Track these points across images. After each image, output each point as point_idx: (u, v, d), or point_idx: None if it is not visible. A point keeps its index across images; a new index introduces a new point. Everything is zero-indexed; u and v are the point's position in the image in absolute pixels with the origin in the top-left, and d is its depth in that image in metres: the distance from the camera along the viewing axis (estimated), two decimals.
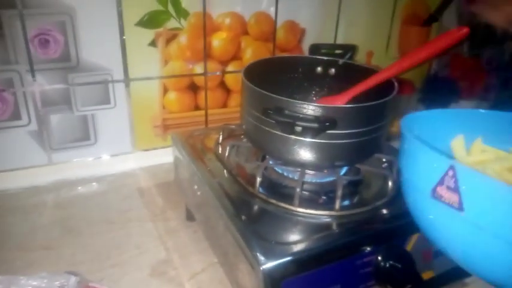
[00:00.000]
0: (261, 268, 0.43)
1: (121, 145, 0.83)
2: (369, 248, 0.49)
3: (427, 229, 0.38)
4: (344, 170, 0.60)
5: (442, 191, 0.32)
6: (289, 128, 0.46)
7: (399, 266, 0.48)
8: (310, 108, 0.45)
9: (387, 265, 0.49)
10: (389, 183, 0.56)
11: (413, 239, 0.51)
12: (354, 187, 0.58)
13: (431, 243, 0.38)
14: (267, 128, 0.51)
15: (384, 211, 0.53)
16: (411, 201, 0.40)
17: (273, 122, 0.48)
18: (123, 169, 0.83)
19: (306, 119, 0.45)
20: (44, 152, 0.77)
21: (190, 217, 0.69)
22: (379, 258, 0.49)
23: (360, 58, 0.97)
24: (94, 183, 0.79)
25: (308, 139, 0.48)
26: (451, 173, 0.31)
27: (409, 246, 0.51)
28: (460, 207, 0.31)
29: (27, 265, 0.59)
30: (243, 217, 0.50)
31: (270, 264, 0.44)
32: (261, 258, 0.44)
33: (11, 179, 0.75)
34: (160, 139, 0.86)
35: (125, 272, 0.60)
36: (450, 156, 0.32)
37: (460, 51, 1.10)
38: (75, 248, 0.63)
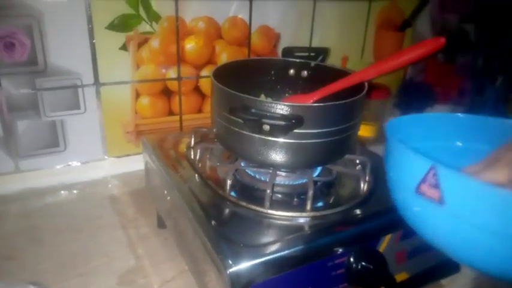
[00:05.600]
0: (228, 272, 0.42)
1: (92, 152, 0.81)
2: (340, 249, 0.48)
3: (412, 222, 0.42)
4: (317, 171, 0.59)
5: (424, 188, 0.36)
6: (257, 127, 0.45)
7: (371, 267, 0.47)
8: (277, 107, 0.44)
9: (359, 266, 0.48)
10: (362, 184, 0.55)
11: (386, 240, 0.51)
12: (326, 188, 0.57)
13: (418, 234, 0.42)
14: (236, 129, 0.50)
15: (356, 212, 0.52)
16: (397, 197, 0.43)
17: (241, 122, 0.47)
18: (94, 176, 0.80)
19: (272, 116, 0.44)
20: (10, 160, 0.74)
21: (161, 224, 0.67)
22: (351, 259, 0.48)
23: (335, 63, 0.97)
24: (63, 192, 0.76)
25: (276, 139, 0.47)
26: (432, 172, 0.35)
27: (381, 248, 0.50)
28: (441, 201, 0.35)
29: None
30: (213, 221, 0.49)
31: (237, 268, 0.42)
32: (228, 261, 0.43)
33: None
34: (132, 145, 0.84)
35: (91, 281, 0.57)
36: (431, 157, 0.36)
37: (435, 57, 1.12)
38: (40, 257, 0.60)
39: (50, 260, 0.60)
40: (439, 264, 0.55)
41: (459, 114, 0.51)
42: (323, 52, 0.65)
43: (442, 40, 0.49)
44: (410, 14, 1.05)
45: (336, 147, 0.52)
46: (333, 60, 0.96)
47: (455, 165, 0.48)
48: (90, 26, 0.72)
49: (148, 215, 0.71)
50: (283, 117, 0.44)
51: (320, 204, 0.53)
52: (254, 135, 0.48)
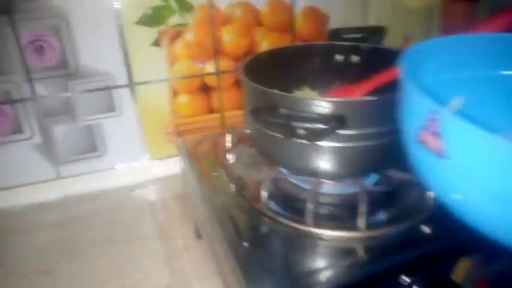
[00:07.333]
0: None
1: (131, 155, 0.77)
2: (403, 278, 0.38)
3: (418, 174, 0.35)
4: (374, 178, 0.49)
5: (425, 136, 0.29)
6: (289, 131, 0.36)
7: None
8: (310, 104, 0.35)
9: None
10: (429, 194, 0.45)
11: (463, 265, 0.40)
12: (385, 200, 0.47)
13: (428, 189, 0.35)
14: (268, 131, 0.42)
15: (423, 229, 0.42)
16: (405, 145, 0.36)
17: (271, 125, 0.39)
18: (135, 181, 0.76)
19: (305, 118, 0.35)
20: (51, 166, 0.72)
21: (199, 234, 0.62)
22: None
23: (395, 44, 0.85)
24: (103, 198, 0.73)
25: (315, 143, 0.38)
26: (434, 117, 0.28)
27: (457, 275, 0.40)
28: (443, 154, 0.28)
29: None
30: (244, 243, 0.41)
31: None
32: None
33: (16, 196, 0.71)
34: (174, 147, 0.79)
35: None
36: (435, 98, 0.28)
37: None
38: (74, 272, 0.57)
39: (84, 277, 0.57)
40: None
41: (505, 34, 0.40)
42: (377, 32, 0.55)
43: None
44: None
45: (393, 149, 0.42)
46: (393, 42, 0.84)
47: (497, 98, 0.41)
48: (119, 22, 0.67)
49: (188, 224, 0.66)
50: (319, 118, 0.35)
51: (377, 220, 0.44)
52: (289, 139, 0.39)
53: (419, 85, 0.30)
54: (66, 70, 0.67)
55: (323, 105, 0.35)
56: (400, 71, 0.33)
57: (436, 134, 0.28)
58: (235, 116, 0.80)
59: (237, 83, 0.78)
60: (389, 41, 0.83)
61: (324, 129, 0.34)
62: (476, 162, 0.27)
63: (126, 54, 0.69)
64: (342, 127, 0.35)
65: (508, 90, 0.43)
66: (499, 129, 0.40)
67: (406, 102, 0.33)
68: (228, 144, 0.58)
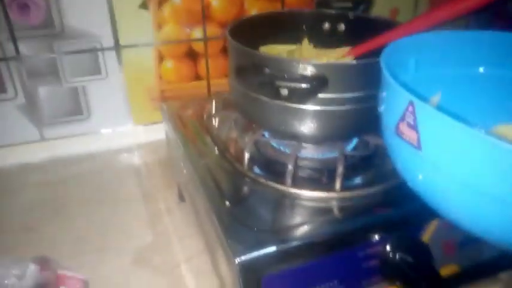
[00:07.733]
0: (237, 260, 0.36)
1: (116, 120, 0.77)
2: (374, 237, 0.41)
3: (396, 167, 0.36)
4: (353, 142, 0.51)
5: (403, 127, 0.31)
6: (273, 91, 0.37)
7: (411, 259, 0.39)
8: (294, 65, 0.36)
9: (396, 257, 0.40)
10: None
11: (431, 227, 0.42)
12: (362, 164, 0.49)
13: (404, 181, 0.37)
14: (252, 94, 0.43)
15: (395, 192, 0.44)
16: (383, 138, 0.37)
17: (256, 85, 0.40)
18: (119, 145, 0.77)
19: (289, 78, 0.36)
20: (35, 128, 0.72)
21: (182, 197, 0.63)
22: (387, 249, 0.41)
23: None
24: (87, 161, 0.74)
25: (298, 105, 0.39)
26: (410, 109, 0.29)
27: (425, 236, 0.42)
28: (419, 146, 0.29)
29: (5, 248, 0.55)
30: (226, 201, 0.43)
31: (248, 256, 0.36)
32: (237, 247, 0.37)
33: (1, 155, 0.71)
34: (159, 113, 0.79)
35: (106, 258, 0.54)
36: (411, 90, 0.29)
37: (505, 5, 0.95)
38: (59, 230, 0.59)
39: (68, 233, 0.58)
40: (497, 256, 0.46)
41: (482, 32, 0.42)
42: (364, 1, 0.55)
43: None
44: None
45: (373, 114, 0.43)
46: (380, 14, 0.84)
47: (475, 96, 0.43)
48: None
49: (170, 187, 0.67)
50: (302, 78, 0.36)
51: (353, 182, 0.46)
52: (272, 100, 0.40)
53: (400, 80, 0.32)
54: (51, 30, 0.67)
55: (306, 67, 0.36)
56: (381, 62, 0.34)
57: (412, 126, 0.29)
58: (222, 84, 0.80)
59: (225, 51, 0.78)
60: (377, 13, 0.83)
61: (306, 89, 0.35)
62: (448, 153, 0.28)
63: (112, 16, 0.69)
64: (323, 88, 0.36)
65: (487, 88, 0.44)
66: (476, 125, 0.42)
67: (386, 96, 0.34)
68: (213, 109, 0.59)
